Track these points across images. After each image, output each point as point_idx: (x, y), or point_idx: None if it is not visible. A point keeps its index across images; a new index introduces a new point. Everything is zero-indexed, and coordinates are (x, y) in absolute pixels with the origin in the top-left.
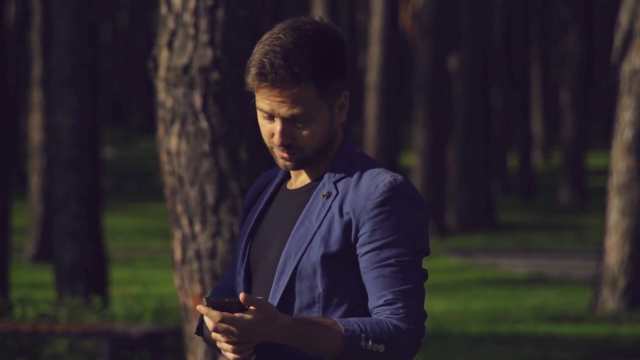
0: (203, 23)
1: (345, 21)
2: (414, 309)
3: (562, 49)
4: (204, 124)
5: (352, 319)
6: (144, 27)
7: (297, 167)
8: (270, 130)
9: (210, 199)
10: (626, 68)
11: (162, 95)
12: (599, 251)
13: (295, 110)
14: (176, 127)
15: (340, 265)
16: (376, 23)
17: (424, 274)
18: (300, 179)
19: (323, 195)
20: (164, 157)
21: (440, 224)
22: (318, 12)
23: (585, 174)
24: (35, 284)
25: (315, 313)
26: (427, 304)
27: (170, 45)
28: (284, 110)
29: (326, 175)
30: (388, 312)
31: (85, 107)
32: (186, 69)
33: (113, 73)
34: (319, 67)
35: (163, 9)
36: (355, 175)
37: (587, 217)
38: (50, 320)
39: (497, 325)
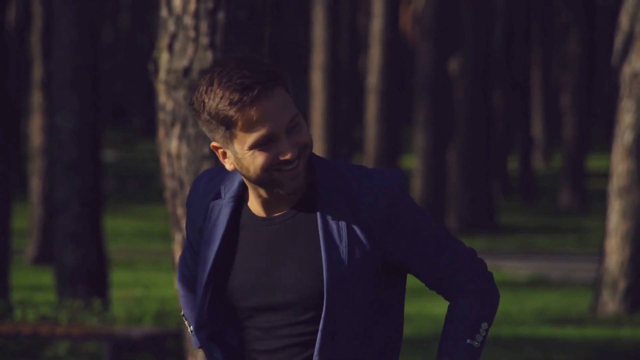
0: (203, 26)
1: (346, 23)
2: (466, 265)
3: (563, 51)
4: None
5: (445, 342)
6: (145, 29)
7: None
8: (273, 154)
9: None
10: (626, 71)
11: (163, 97)
12: (600, 254)
13: (291, 111)
14: (177, 130)
15: (374, 278)
16: (377, 25)
17: (448, 231)
18: (279, 207)
19: (331, 216)
20: (164, 159)
21: None
22: (318, 14)
23: (586, 176)
24: (35, 286)
25: (361, 329)
26: (428, 306)
27: (170, 48)
28: (284, 116)
29: (321, 193)
30: (454, 289)
31: (86, 109)
32: (186, 71)
33: (114, 75)
34: (272, 69)
35: (163, 12)
36: (348, 184)
37: (588, 219)
38: (51, 323)
39: (499, 328)
